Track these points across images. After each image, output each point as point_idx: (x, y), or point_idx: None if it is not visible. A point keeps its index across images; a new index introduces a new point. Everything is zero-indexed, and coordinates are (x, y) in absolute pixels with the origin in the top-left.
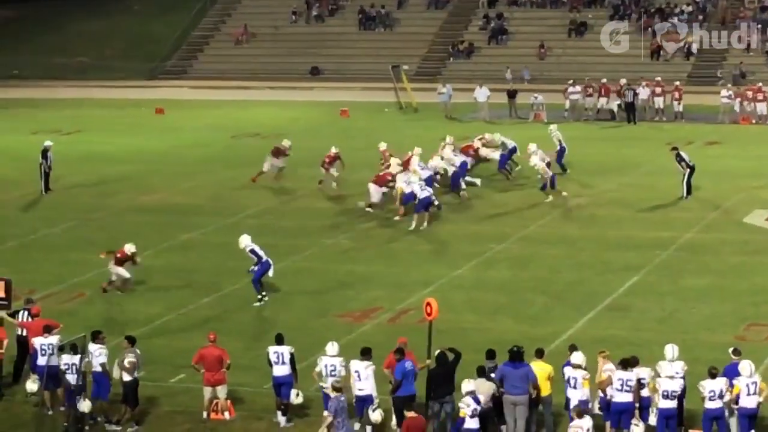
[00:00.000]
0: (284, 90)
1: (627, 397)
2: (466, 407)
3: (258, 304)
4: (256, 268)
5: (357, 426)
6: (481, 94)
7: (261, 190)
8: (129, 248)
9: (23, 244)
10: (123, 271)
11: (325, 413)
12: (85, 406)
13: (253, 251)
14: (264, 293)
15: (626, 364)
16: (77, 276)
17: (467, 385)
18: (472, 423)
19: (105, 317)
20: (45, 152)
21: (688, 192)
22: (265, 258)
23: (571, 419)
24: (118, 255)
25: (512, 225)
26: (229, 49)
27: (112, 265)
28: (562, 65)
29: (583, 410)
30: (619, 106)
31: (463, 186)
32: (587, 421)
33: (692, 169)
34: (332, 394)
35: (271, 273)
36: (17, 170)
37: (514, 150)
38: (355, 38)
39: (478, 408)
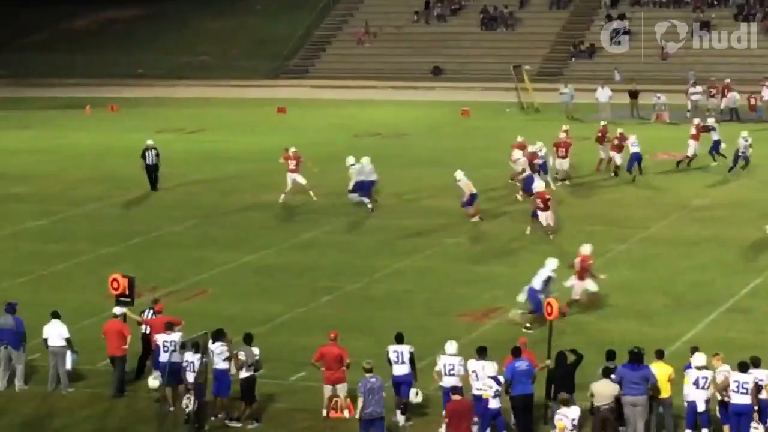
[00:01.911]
0: (405, 90)
1: (744, 399)
2: (489, 389)
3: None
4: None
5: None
6: (603, 94)
7: (382, 190)
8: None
9: (147, 241)
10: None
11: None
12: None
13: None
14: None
15: (744, 366)
16: (199, 273)
17: (474, 365)
18: (494, 403)
19: (226, 315)
20: (146, 151)
21: None
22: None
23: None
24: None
25: (632, 226)
26: (351, 48)
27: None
28: (685, 65)
29: (569, 399)
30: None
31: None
32: (574, 411)
33: None
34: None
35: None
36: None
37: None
38: (476, 38)
39: (500, 389)
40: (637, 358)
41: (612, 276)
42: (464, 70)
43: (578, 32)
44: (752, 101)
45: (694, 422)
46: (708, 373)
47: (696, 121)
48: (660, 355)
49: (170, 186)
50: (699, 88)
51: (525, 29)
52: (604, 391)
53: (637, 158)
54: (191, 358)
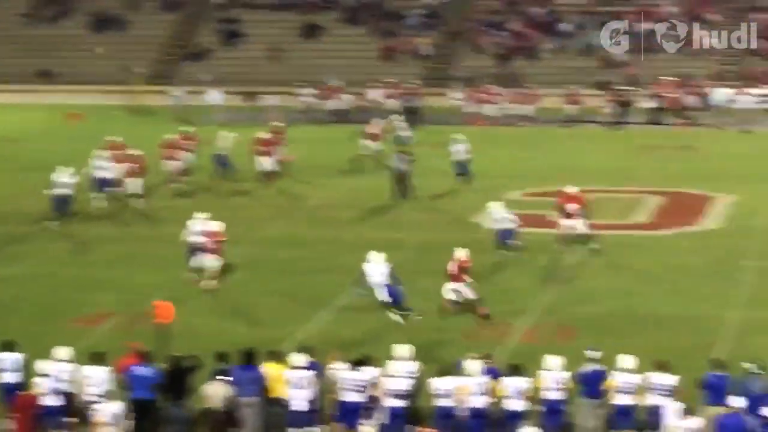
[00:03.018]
0: (13, 93)
1: (356, 397)
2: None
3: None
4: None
5: None
6: (214, 96)
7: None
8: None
9: None
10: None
11: None
12: None
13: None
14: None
15: (357, 364)
16: None
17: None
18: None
19: None
20: None
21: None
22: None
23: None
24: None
25: (245, 227)
26: None
27: None
28: (294, 68)
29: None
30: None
31: None
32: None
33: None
34: None
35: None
36: None
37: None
38: (86, 40)
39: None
40: (248, 359)
41: (225, 279)
42: (74, 73)
43: (189, 35)
44: (362, 103)
45: (299, 420)
46: (309, 374)
47: (375, 121)
48: (273, 355)
49: None
50: (310, 90)
51: (136, 32)
52: (215, 393)
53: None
54: None
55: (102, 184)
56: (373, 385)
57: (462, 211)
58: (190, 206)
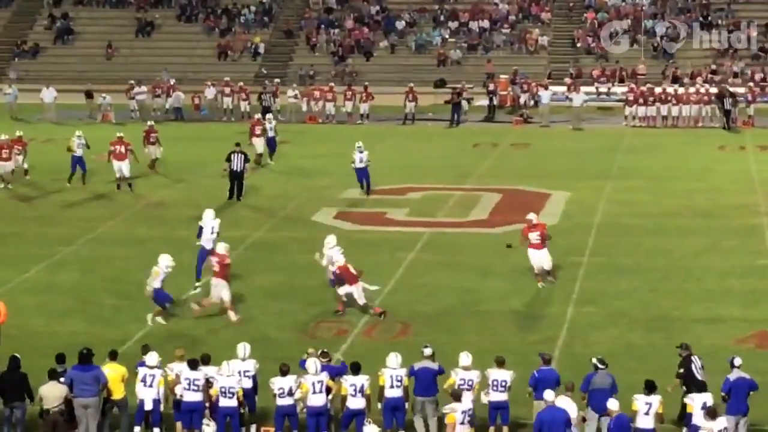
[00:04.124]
0: None
1: (196, 397)
2: None
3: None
4: None
5: None
6: (48, 94)
7: None
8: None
9: None
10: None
11: None
12: None
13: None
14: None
15: (194, 363)
16: None
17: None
18: None
19: None
20: None
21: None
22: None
23: None
24: None
25: (80, 227)
26: None
27: None
28: (129, 65)
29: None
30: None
31: None
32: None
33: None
34: None
35: None
36: None
37: None
38: None
39: None
40: (86, 359)
41: (60, 278)
42: None
43: (21, 32)
44: (196, 101)
45: (143, 420)
46: (157, 372)
47: (257, 117)
48: (113, 355)
49: None
50: (144, 88)
51: None
52: (52, 393)
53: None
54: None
55: None
56: (210, 384)
57: (300, 211)
58: (25, 207)
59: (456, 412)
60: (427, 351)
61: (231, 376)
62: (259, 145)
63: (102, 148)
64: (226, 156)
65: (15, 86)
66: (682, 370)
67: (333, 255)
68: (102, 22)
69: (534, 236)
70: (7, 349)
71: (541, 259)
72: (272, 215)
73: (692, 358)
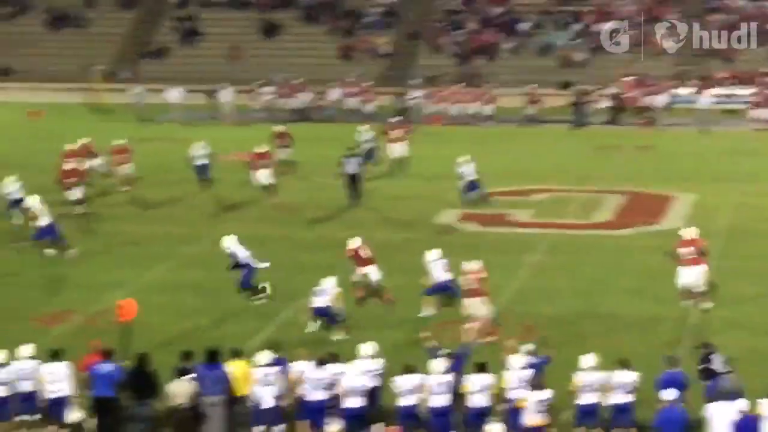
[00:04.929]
0: None
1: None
2: None
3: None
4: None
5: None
6: (174, 95)
7: None
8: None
9: None
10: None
11: None
12: None
13: (233, 254)
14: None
15: (322, 362)
16: None
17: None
18: None
19: None
20: None
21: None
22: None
23: None
24: None
25: (204, 225)
26: None
27: None
28: (253, 66)
29: None
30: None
31: None
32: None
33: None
34: None
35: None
36: None
37: None
38: (44, 38)
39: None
40: (212, 358)
41: (187, 277)
42: (33, 71)
43: (147, 33)
44: (320, 102)
45: (262, 418)
46: (274, 370)
47: (394, 120)
48: (237, 354)
49: None
50: (269, 89)
51: (94, 29)
52: (180, 391)
53: None
54: None
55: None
56: (337, 383)
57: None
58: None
59: (528, 400)
60: (530, 348)
61: (358, 376)
62: (397, 149)
63: (226, 149)
64: (338, 160)
65: (142, 87)
66: None
67: (435, 269)
68: (227, 23)
69: (686, 251)
70: (136, 346)
71: (691, 277)
72: (393, 217)
73: None
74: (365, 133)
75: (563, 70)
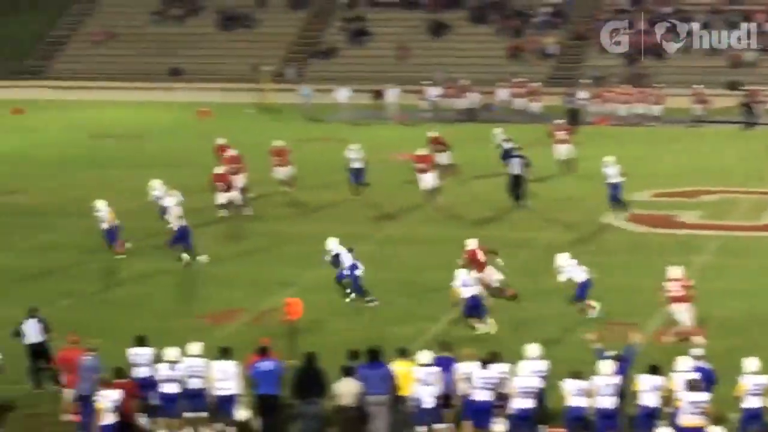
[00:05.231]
0: (144, 91)
1: (485, 396)
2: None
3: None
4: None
5: (219, 426)
6: (342, 94)
7: (121, 192)
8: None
9: None
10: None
11: None
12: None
13: (337, 256)
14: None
15: (487, 361)
16: None
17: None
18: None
19: None
20: None
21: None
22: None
23: None
24: None
25: (369, 226)
26: (88, 48)
27: None
28: (421, 66)
29: None
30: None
31: None
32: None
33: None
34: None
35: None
36: None
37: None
38: (215, 38)
39: (172, 374)
40: (376, 357)
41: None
42: (203, 71)
43: (317, 33)
44: (488, 102)
45: (424, 419)
46: (436, 370)
47: (557, 122)
48: (403, 353)
49: None
50: (437, 89)
51: (263, 30)
52: (346, 390)
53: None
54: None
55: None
56: (503, 383)
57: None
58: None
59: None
60: (697, 352)
61: (527, 376)
62: (563, 150)
63: (390, 149)
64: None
65: (310, 87)
66: None
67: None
68: (395, 23)
69: None
70: (303, 345)
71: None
72: (560, 218)
73: None
74: (500, 135)
75: (733, 70)
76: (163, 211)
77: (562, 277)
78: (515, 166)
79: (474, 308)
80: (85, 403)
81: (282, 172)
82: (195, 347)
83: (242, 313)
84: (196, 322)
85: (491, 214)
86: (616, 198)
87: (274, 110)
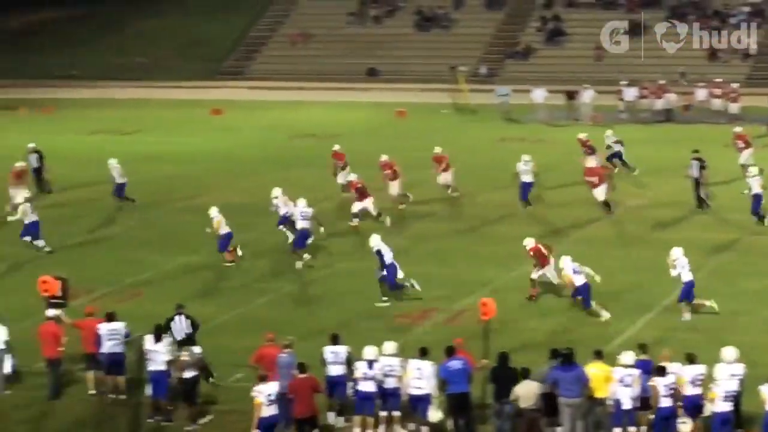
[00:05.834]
0: (341, 91)
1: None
2: (356, 370)
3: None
4: (384, 273)
5: (412, 425)
6: (539, 95)
7: (326, 191)
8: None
9: (82, 243)
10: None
11: None
12: None
13: (379, 252)
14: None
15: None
16: (134, 275)
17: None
18: (367, 386)
19: (161, 317)
20: (29, 154)
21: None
22: (390, 261)
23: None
24: None
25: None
26: (286, 49)
27: None
28: (618, 66)
29: None
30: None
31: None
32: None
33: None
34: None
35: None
36: (75, 170)
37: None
38: (412, 39)
39: (370, 372)
40: (568, 359)
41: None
42: (399, 72)
43: (514, 33)
44: (686, 103)
45: (621, 420)
46: (634, 371)
47: (738, 129)
48: (598, 354)
49: (104, 187)
50: (633, 90)
51: (460, 30)
52: (526, 392)
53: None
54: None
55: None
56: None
57: None
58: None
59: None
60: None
61: (726, 380)
62: (746, 155)
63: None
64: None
65: (508, 88)
66: None
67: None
68: (592, 23)
69: None
70: (496, 345)
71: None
72: (735, 219)
73: None
74: (611, 137)
75: None
76: (283, 220)
77: (673, 272)
78: (694, 169)
79: (584, 295)
80: (281, 399)
81: (443, 178)
82: (390, 347)
83: (437, 312)
84: (392, 321)
85: (679, 215)
86: (755, 210)
87: (469, 110)
